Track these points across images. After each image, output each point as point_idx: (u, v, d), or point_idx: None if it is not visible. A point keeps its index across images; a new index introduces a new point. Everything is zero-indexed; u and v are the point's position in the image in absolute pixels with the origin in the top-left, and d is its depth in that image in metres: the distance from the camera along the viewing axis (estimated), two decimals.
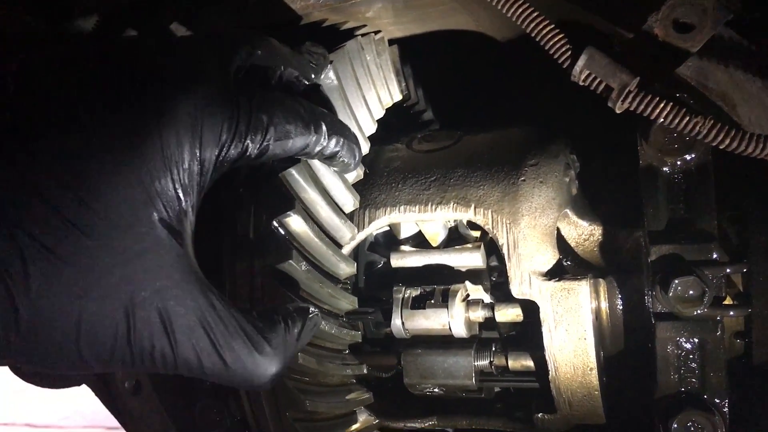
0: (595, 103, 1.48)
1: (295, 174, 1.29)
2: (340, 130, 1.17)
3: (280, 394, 1.31)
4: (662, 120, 1.13)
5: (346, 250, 1.43)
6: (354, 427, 1.43)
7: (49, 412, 7.04)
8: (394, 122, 1.72)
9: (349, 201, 1.40)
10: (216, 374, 0.95)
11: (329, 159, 1.19)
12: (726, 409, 1.31)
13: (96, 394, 1.84)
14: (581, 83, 1.17)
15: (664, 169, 1.33)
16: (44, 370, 0.96)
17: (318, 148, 1.13)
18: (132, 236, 0.89)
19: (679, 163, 1.32)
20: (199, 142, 0.95)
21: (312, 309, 1.13)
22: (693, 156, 1.31)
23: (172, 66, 1.00)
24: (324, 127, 1.12)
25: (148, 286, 0.89)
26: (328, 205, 1.35)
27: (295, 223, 1.27)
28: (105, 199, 0.87)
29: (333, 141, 1.14)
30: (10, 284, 0.81)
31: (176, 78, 0.98)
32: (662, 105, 1.12)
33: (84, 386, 1.96)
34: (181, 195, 0.94)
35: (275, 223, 1.29)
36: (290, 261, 1.25)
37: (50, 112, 0.91)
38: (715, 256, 1.27)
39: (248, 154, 1.02)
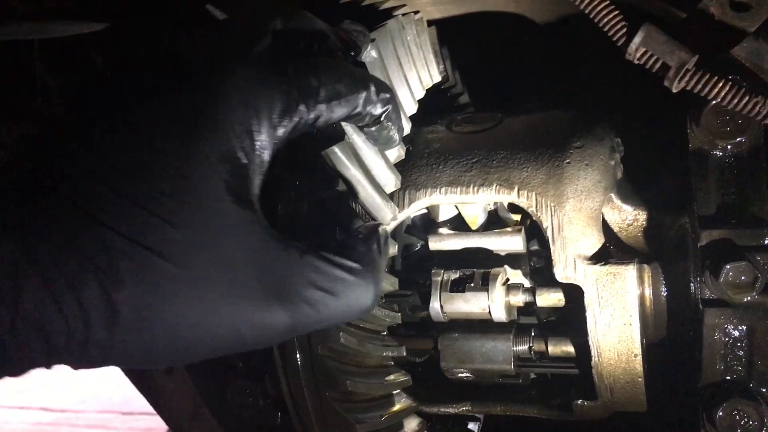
0: (640, 86, 1.46)
1: (337, 152, 1.26)
2: (387, 90, 1.15)
3: (320, 374, 1.30)
4: (720, 100, 1.10)
5: (387, 230, 1.41)
6: (393, 409, 1.42)
7: (65, 396, 7.09)
8: (431, 105, 1.70)
9: (390, 180, 1.38)
10: (331, 317, 0.98)
11: (377, 124, 1.17)
12: None
13: (126, 374, 1.83)
14: (636, 61, 1.14)
15: (715, 152, 1.30)
16: (145, 367, 0.97)
17: (368, 108, 1.11)
18: (205, 216, 0.88)
19: (730, 146, 1.29)
20: (255, 114, 0.95)
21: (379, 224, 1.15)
22: (745, 139, 1.28)
23: (216, 44, 1.01)
24: (372, 87, 1.10)
25: (240, 260, 0.89)
26: (370, 184, 1.33)
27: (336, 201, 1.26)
28: (178, 184, 0.87)
29: (381, 101, 1.12)
30: (104, 279, 0.80)
31: (222, 55, 0.99)
32: (721, 84, 1.10)
33: (99, 372, 1.96)
34: (245, 169, 0.94)
35: (315, 200, 1.28)
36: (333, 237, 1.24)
37: (104, 106, 0.92)
38: (767, 241, 1.24)
39: (303, 119, 1.01)
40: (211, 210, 0.89)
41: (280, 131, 0.99)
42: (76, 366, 0.85)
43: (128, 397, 6.61)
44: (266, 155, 0.97)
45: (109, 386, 6.44)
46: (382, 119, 1.15)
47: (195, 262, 0.86)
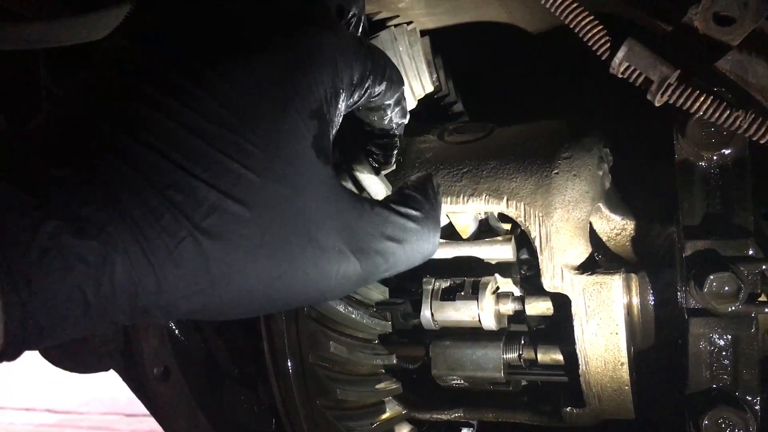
0: (629, 97, 1.48)
1: None
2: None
3: (311, 382, 1.32)
4: (702, 113, 1.12)
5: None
6: (383, 416, 1.44)
7: (69, 398, 7.13)
8: (424, 114, 1.72)
9: (381, 191, 1.41)
10: (397, 265, 1.04)
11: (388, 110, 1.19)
12: (758, 407, 1.30)
13: (124, 380, 1.86)
14: (620, 75, 1.16)
15: (701, 163, 1.31)
16: (226, 319, 0.99)
17: (403, 103, 1.18)
18: (295, 169, 0.90)
19: (715, 158, 1.31)
20: (340, 80, 0.99)
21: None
22: (730, 151, 1.29)
23: (310, 8, 1.03)
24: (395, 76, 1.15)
25: (322, 215, 0.92)
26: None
27: None
28: (268, 135, 0.88)
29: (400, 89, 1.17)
30: (197, 235, 0.81)
31: (318, 19, 1.01)
32: (702, 98, 1.11)
33: (103, 374, 1.98)
34: (327, 128, 0.97)
35: None
36: None
37: (203, 56, 0.90)
38: (751, 252, 1.26)
39: (369, 92, 1.06)
40: (298, 165, 0.90)
41: (353, 98, 1.03)
42: (162, 321, 0.85)
43: (132, 399, 6.59)
44: (340, 118, 1.02)
45: (113, 388, 6.47)
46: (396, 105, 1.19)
47: (282, 216, 0.88)
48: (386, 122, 1.19)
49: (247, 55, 0.91)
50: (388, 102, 1.14)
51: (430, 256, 1.09)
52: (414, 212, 1.05)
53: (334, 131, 1.00)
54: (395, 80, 1.12)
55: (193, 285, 0.82)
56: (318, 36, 0.98)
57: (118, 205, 0.77)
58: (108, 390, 6.60)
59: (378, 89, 1.08)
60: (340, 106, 1.00)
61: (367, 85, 1.05)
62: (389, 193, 1.43)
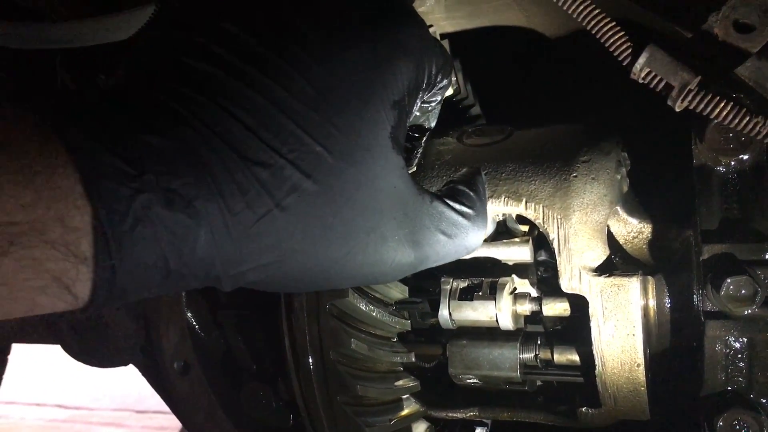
0: (647, 102, 1.50)
1: None
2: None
3: (331, 378, 1.35)
4: (722, 119, 1.14)
5: None
6: (401, 413, 1.46)
7: (80, 393, 7.17)
8: (442, 116, 1.74)
9: None
10: (445, 257, 1.10)
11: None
12: None
13: (143, 374, 1.89)
14: (641, 81, 1.18)
15: (719, 168, 1.33)
16: (286, 291, 1.03)
17: (447, 92, 1.24)
18: (372, 157, 0.94)
19: (733, 163, 1.32)
20: (422, 71, 1.04)
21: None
22: (748, 156, 1.31)
23: (395, 1, 1.07)
24: None
25: (388, 205, 0.96)
26: None
27: None
28: (351, 122, 0.91)
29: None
30: (277, 213, 0.84)
31: (404, 12, 1.06)
32: (722, 104, 1.13)
33: (114, 370, 2.01)
34: (405, 118, 1.01)
35: None
36: None
37: (298, 38, 0.93)
38: (767, 256, 1.28)
39: (437, 88, 1.11)
40: (375, 153, 0.94)
41: (429, 91, 1.08)
42: (226, 289, 0.89)
43: (142, 395, 6.67)
44: (416, 109, 1.06)
45: (123, 384, 6.51)
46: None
47: (354, 201, 0.92)
48: (425, 118, 1.22)
49: (340, 43, 0.94)
50: (438, 98, 1.18)
51: (474, 250, 1.15)
52: (467, 210, 1.11)
53: (409, 122, 1.04)
54: (451, 77, 1.16)
55: (264, 258, 0.86)
56: (405, 29, 1.01)
57: (208, 179, 0.80)
58: (118, 386, 6.64)
59: (444, 83, 1.11)
60: (418, 97, 1.03)
61: (439, 79, 1.08)
62: None
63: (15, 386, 7.19)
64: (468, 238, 1.12)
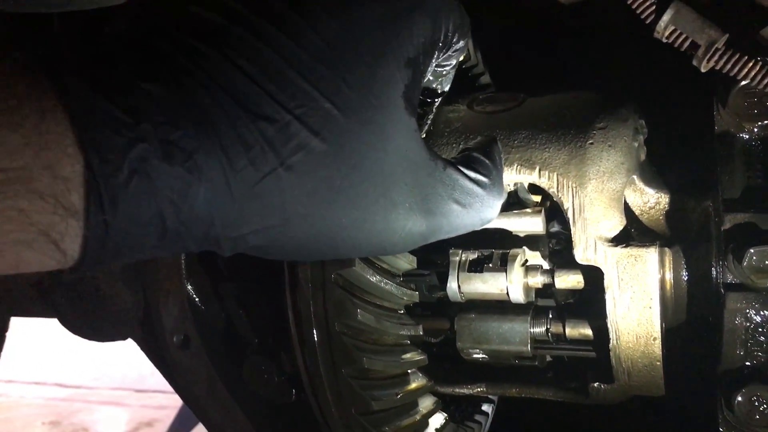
0: (667, 67, 1.44)
1: None
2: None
3: (336, 351, 1.30)
4: (750, 80, 1.08)
5: None
6: (408, 387, 1.42)
7: (79, 372, 7.17)
8: (452, 86, 1.69)
9: None
10: (459, 227, 1.05)
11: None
12: None
13: (141, 348, 1.84)
14: (665, 39, 1.13)
15: (742, 135, 1.28)
16: (290, 259, 0.98)
17: (463, 55, 1.20)
18: (384, 117, 0.89)
19: (757, 129, 1.27)
20: (439, 29, 0.98)
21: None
22: None
23: None
24: None
25: (399, 169, 0.91)
26: None
27: None
28: (363, 79, 0.86)
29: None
30: (281, 172, 0.80)
31: None
32: (752, 64, 1.08)
33: (114, 349, 1.97)
34: (419, 78, 0.96)
35: None
36: None
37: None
38: None
39: (452, 50, 1.05)
40: (387, 113, 0.89)
41: (445, 51, 1.02)
42: (226, 253, 0.85)
43: (142, 374, 6.67)
44: (431, 70, 1.01)
45: (123, 363, 6.51)
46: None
47: (363, 164, 0.87)
48: (439, 83, 1.17)
49: (351, 5, 0.89)
50: (453, 61, 1.12)
51: (490, 222, 1.10)
52: (483, 178, 1.05)
53: (423, 83, 0.99)
54: (468, 38, 1.10)
55: (267, 221, 0.82)
56: None
57: (210, 132, 0.76)
58: (118, 365, 6.63)
59: (461, 45, 1.06)
60: (434, 57, 0.98)
61: (455, 39, 1.03)
62: None
63: (14, 365, 7.19)
64: (483, 209, 1.06)
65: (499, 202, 1.10)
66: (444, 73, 1.15)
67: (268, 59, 0.81)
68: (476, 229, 1.11)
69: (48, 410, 6.44)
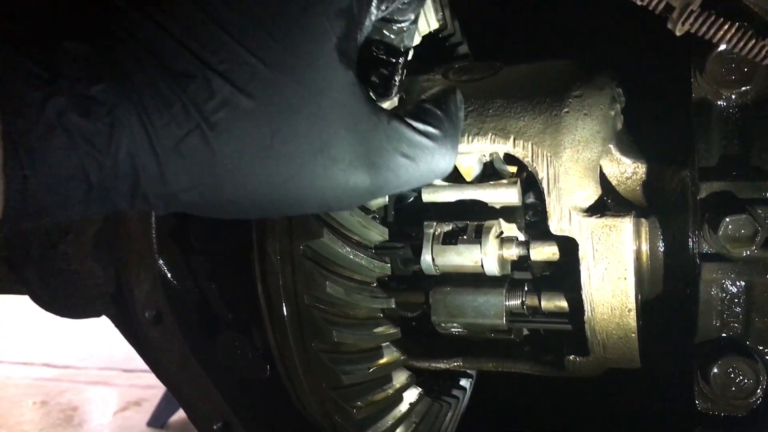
0: (643, 35, 1.41)
1: None
2: None
3: (306, 324, 1.28)
4: (726, 43, 1.05)
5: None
6: (380, 361, 1.40)
7: (67, 353, 7.16)
8: (428, 54, 1.65)
9: None
10: (409, 182, 1.02)
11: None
12: None
13: (115, 325, 1.82)
14: (639, 2, 1.09)
15: (719, 102, 1.25)
16: (225, 217, 0.97)
17: (420, 9, 1.13)
18: (314, 70, 0.86)
19: (734, 96, 1.24)
20: None
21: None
22: (751, 88, 1.23)
23: None
24: None
25: (337, 122, 0.89)
26: None
27: None
28: (290, 31, 0.84)
29: None
30: (204, 126, 0.80)
31: None
32: (727, 26, 1.04)
33: (102, 329, 1.94)
34: (355, 29, 0.92)
35: None
36: None
37: None
38: None
39: (403, 5, 1.00)
40: (318, 66, 0.87)
41: (385, 5, 0.97)
42: (160, 212, 0.85)
43: (130, 354, 6.61)
44: (371, 21, 0.96)
45: (110, 343, 6.49)
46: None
47: (295, 119, 0.85)
48: (399, 40, 1.13)
49: None
50: (411, 15, 1.08)
51: (444, 175, 1.07)
52: (432, 129, 1.01)
53: (363, 36, 0.95)
54: None
55: (196, 179, 0.81)
56: None
57: (128, 88, 0.76)
58: (106, 346, 6.61)
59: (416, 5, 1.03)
60: (372, 7, 0.94)
61: None
62: None
63: (1, 345, 7.17)
64: (434, 162, 1.03)
65: (451, 155, 1.06)
66: (403, 29, 1.11)
67: (189, 15, 0.80)
68: (430, 182, 1.09)
69: (36, 390, 6.42)
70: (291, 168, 0.86)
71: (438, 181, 1.49)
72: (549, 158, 1.29)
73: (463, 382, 1.76)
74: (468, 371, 1.78)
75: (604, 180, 1.39)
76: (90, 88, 0.74)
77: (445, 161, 1.05)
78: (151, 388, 5.81)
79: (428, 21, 1.49)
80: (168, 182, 0.80)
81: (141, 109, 0.76)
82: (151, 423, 5.52)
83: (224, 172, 0.82)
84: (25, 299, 1.91)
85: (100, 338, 6.59)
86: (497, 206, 1.46)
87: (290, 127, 0.84)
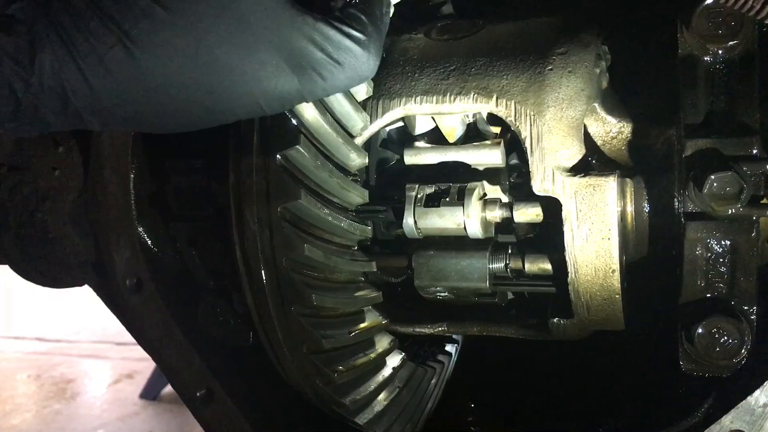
0: None
1: None
2: None
3: (285, 288, 1.25)
4: None
5: (358, 141, 1.34)
6: (362, 325, 1.38)
7: (59, 326, 7.15)
8: (411, 15, 1.61)
9: (361, 88, 1.31)
10: (335, 86, 1.03)
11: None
12: (754, 317, 1.25)
13: (97, 293, 1.79)
14: None
15: (706, 58, 1.22)
16: (159, 131, 0.98)
17: None
18: None
19: (721, 51, 1.21)
20: None
21: None
22: (737, 43, 1.20)
23: None
24: None
25: (260, 25, 0.90)
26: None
27: (305, 109, 1.19)
28: None
29: None
30: (124, 38, 0.81)
31: None
32: None
33: (94, 302, 1.91)
34: None
35: None
36: (297, 146, 1.18)
37: None
38: (755, 151, 1.18)
39: None
40: None
41: None
42: (98, 128, 0.87)
43: (122, 328, 6.65)
44: None
45: (103, 317, 6.47)
46: None
47: (219, 25, 0.87)
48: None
49: None
50: None
51: (368, 79, 1.08)
52: (356, 33, 1.01)
53: None
54: None
55: (125, 93, 0.83)
56: None
57: (45, 5, 0.78)
58: (98, 319, 6.60)
59: None
60: None
61: None
62: (369, 90, 1.34)
63: None
64: (359, 65, 1.03)
65: (375, 59, 1.06)
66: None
67: None
68: (353, 86, 1.10)
69: (28, 364, 6.42)
70: (219, 75, 0.88)
71: (421, 143, 1.47)
72: (532, 117, 1.27)
73: (449, 348, 1.75)
74: (453, 337, 1.76)
75: (588, 140, 1.36)
76: (8, 6, 0.77)
77: (369, 65, 1.05)
78: (144, 361, 5.81)
79: None
80: (98, 98, 0.83)
81: (59, 27, 0.79)
82: (144, 395, 5.53)
83: (152, 83, 0.84)
84: (8, 270, 1.88)
85: (92, 312, 6.56)
86: (481, 168, 1.43)
87: (213, 35, 0.86)
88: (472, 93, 1.32)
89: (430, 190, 1.40)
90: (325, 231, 1.28)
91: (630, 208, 1.33)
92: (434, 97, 1.34)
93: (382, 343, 1.44)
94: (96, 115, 0.85)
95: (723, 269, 1.24)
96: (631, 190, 1.32)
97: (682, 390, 1.35)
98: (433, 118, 1.42)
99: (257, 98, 0.93)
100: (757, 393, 1.22)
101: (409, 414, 1.53)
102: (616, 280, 1.27)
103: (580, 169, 1.27)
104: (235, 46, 0.88)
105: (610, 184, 1.22)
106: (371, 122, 1.36)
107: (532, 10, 1.49)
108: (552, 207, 1.30)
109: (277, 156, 1.19)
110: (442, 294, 1.48)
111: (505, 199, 1.41)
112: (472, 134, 1.45)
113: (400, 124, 1.47)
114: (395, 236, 1.49)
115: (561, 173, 1.25)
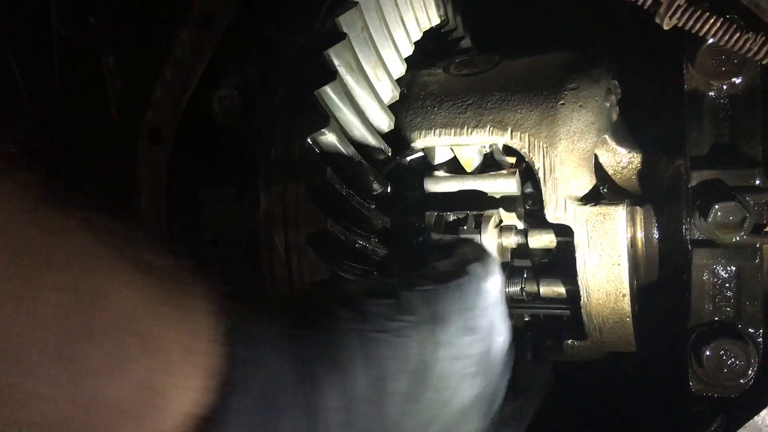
0: (639, 28, 1.44)
1: (329, 92, 1.28)
2: None
3: None
4: (712, 36, 1.09)
5: (381, 171, 1.42)
6: None
7: None
8: (431, 49, 1.69)
9: (384, 121, 1.40)
10: None
11: None
12: (760, 340, 1.29)
13: None
14: None
15: (710, 93, 1.29)
16: None
17: None
18: None
19: (725, 87, 1.28)
20: None
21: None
22: (740, 80, 1.26)
23: None
24: None
25: None
26: (362, 125, 1.34)
27: (330, 140, 1.27)
28: None
29: None
30: None
31: None
32: (712, 20, 1.08)
33: None
34: None
35: (309, 141, 1.29)
36: (324, 176, 1.26)
37: None
38: (757, 182, 1.24)
39: None
40: None
41: None
42: None
43: None
44: None
45: None
46: None
47: None
48: None
49: None
50: None
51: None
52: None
53: None
54: None
55: None
56: None
57: None
58: None
59: None
60: None
61: None
62: (391, 123, 1.42)
63: None
64: None
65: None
66: None
67: None
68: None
69: None
70: None
71: (440, 172, 1.54)
72: (545, 149, 1.34)
73: None
74: None
75: (600, 169, 1.43)
76: None
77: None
78: None
79: (429, 16, 1.53)
80: None
81: None
82: None
83: None
84: None
85: None
86: (497, 196, 1.50)
87: None
88: (488, 126, 1.39)
89: (449, 218, 1.47)
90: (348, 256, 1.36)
91: (640, 235, 1.39)
92: (452, 130, 1.42)
93: None
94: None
95: (729, 294, 1.29)
96: (641, 217, 1.38)
97: (692, 410, 1.40)
98: (451, 148, 1.50)
99: None
100: (763, 413, 1.26)
101: None
102: (626, 303, 1.33)
103: (590, 198, 1.33)
104: None
105: (619, 212, 1.29)
106: (393, 153, 1.43)
107: (545, 44, 1.57)
108: (564, 233, 1.36)
109: (306, 187, 1.27)
110: None
111: (520, 225, 1.48)
112: (489, 164, 1.52)
113: (421, 154, 1.55)
114: None
115: (573, 202, 1.32)
